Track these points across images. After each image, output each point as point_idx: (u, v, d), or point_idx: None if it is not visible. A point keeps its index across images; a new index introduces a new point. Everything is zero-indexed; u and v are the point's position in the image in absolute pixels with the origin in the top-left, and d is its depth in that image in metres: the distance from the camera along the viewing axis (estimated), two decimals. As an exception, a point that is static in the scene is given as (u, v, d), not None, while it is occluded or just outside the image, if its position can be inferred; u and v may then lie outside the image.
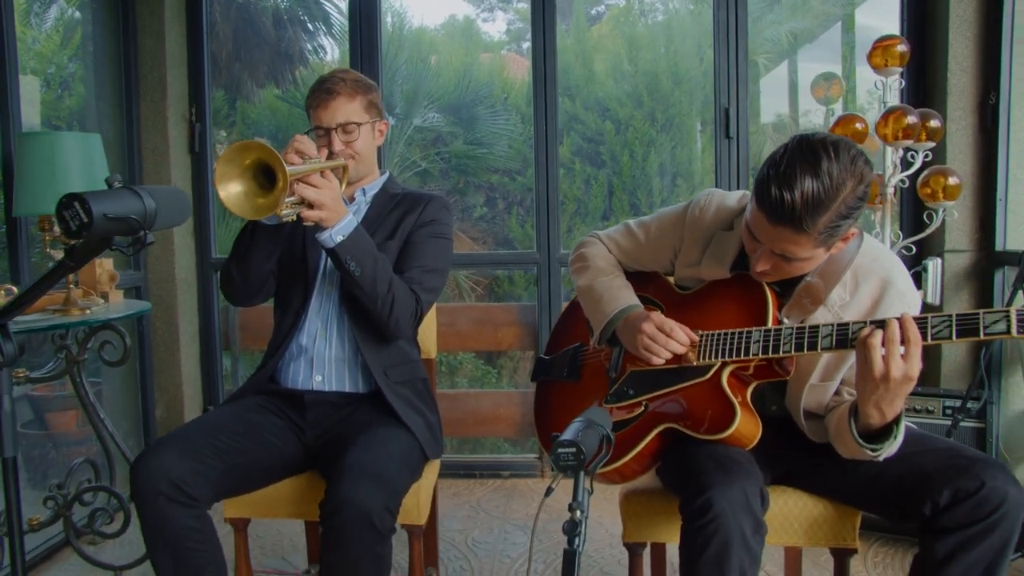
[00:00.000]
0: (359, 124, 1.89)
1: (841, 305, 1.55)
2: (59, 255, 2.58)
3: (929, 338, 1.35)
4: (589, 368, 1.87)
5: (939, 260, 3.07)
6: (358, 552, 1.55)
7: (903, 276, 1.57)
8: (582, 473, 1.27)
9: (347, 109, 1.87)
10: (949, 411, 2.62)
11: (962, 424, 2.58)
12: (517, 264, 3.71)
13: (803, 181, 1.38)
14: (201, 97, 3.36)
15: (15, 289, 2.15)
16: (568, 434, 1.27)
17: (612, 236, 1.90)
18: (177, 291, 3.30)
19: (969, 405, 2.59)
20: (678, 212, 1.79)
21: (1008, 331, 1.28)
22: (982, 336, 1.30)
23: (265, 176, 1.53)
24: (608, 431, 1.32)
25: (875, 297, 1.54)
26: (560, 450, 1.26)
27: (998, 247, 2.97)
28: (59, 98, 3.54)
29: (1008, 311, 1.29)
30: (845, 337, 1.42)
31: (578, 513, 1.26)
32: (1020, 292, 2.61)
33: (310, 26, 5.48)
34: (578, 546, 1.25)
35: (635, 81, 5.00)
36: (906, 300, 1.53)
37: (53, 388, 3.30)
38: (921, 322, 1.36)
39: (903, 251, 2.89)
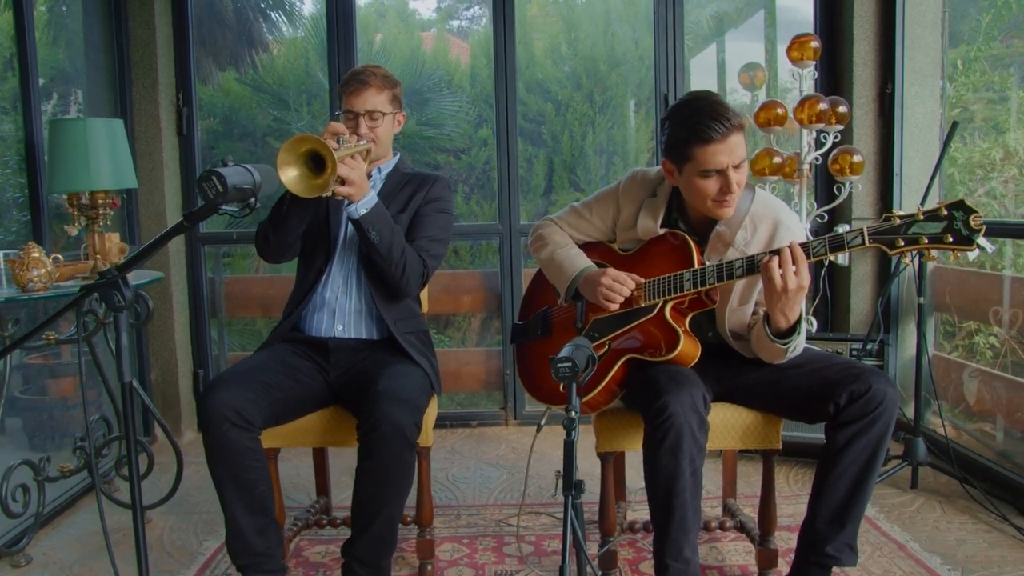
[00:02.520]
0: (384, 114, 2.24)
1: (745, 244, 2.00)
2: (74, 231, 2.85)
3: (811, 256, 1.81)
4: (558, 324, 2.27)
5: (848, 227, 3.58)
6: (392, 459, 1.92)
7: (789, 215, 2.05)
8: (575, 383, 1.68)
9: (375, 99, 2.21)
10: (855, 352, 3.13)
11: (863, 362, 3.08)
12: (481, 235, 4.07)
13: (719, 108, 1.88)
14: (187, 83, 3.62)
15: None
16: (564, 352, 1.67)
17: (562, 217, 2.31)
18: (169, 263, 3.57)
19: (868, 346, 3.10)
20: (612, 189, 2.22)
21: (863, 243, 1.76)
22: (847, 249, 1.77)
23: (314, 162, 1.87)
24: (592, 352, 1.73)
25: (770, 234, 2.00)
26: (559, 364, 1.65)
27: (895, 215, 3.49)
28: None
29: (861, 229, 1.76)
30: (752, 265, 1.87)
31: (573, 413, 1.66)
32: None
33: (271, 14, 5.68)
34: (574, 437, 1.65)
35: (574, 64, 5.19)
36: (792, 232, 2.00)
37: (49, 357, 3.53)
38: (804, 246, 1.82)
39: (817, 218, 3.38)
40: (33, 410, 3.50)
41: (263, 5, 5.61)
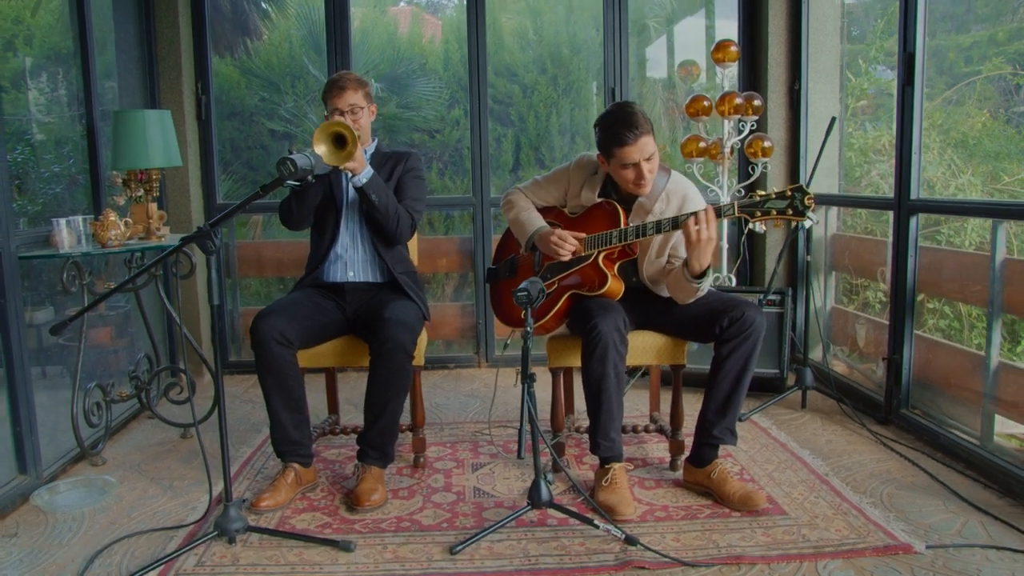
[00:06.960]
0: (361, 107, 2.88)
1: (661, 213, 2.70)
2: (122, 200, 3.46)
3: (722, 215, 2.48)
4: (521, 268, 2.97)
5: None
6: (396, 367, 2.61)
7: (694, 192, 2.75)
8: (529, 306, 2.37)
9: (353, 98, 2.84)
10: (761, 301, 3.86)
11: (766, 310, 3.82)
12: (458, 206, 4.73)
13: (631, 119, 2.54)
14: (205, 75, 4.22)
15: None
16: (522, 286, 2.36)
17: (527, 186, 3.00)
18: (192, 227, 4.18)
19: (771, 297, 3.84)
20: (565, 168, 2.92)
21: (734, 212, 2.45)
22: (723, 216, 2.47)
23: (337, 141, 2.52)
24: (543, 287, 2.42)
25: (679, 206, 2.70)
26: (518, 292, 2.35)
27: (801, 190, 4.21)
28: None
29: (734, 203, 2.45)
30: (661, 227, 2.54)
31: (528, 328, 2.36)
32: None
33: (262, 3, 6.24)
34: (530, 345, 2.35)
35: (539, 49, 5.63)
36: (696, 204, 2.69)
37: (91, 310, 4.12)
38: (704, 211, 2.49)
39: (736, 193, 4.10)
40: (74, 356, 4.10)
41: (257, -1, 6.16)
